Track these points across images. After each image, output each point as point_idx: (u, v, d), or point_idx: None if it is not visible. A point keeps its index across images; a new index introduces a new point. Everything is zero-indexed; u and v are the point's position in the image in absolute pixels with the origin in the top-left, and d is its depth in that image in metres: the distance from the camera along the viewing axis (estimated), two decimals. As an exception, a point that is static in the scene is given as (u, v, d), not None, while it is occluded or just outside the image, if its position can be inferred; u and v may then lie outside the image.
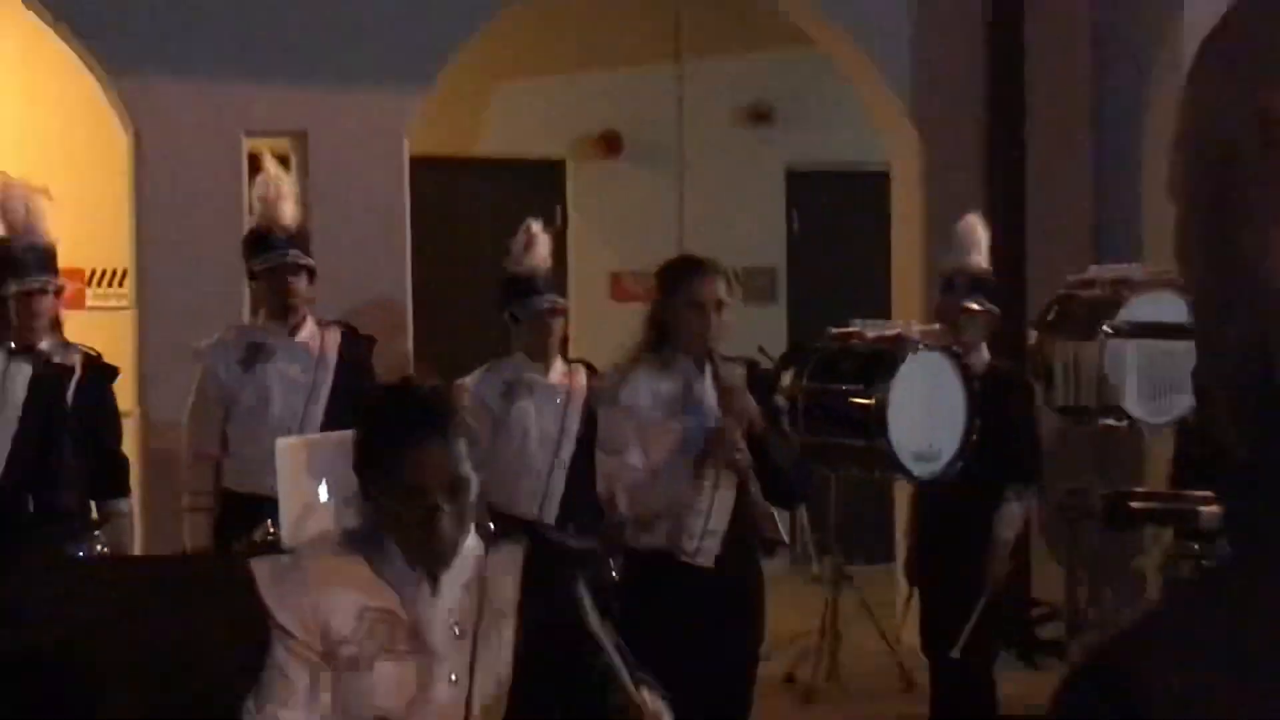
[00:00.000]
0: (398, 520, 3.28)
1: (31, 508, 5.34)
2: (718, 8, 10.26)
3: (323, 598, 3.27)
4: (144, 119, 7.84)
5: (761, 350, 6.22)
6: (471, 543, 3.33)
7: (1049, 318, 7.05)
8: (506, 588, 3.34)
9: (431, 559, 3.27)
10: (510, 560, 3.37)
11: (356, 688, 3.28)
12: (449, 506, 3.21)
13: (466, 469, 3.26)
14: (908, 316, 7.32)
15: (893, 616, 8.14)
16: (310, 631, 3.25)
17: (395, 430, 3.35)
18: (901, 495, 7.76)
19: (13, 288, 5.83)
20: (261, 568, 3.40)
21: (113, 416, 6.24)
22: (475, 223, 9.46)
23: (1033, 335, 7.19)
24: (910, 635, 7.25)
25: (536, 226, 6.38)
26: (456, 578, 3.32)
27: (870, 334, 5.87)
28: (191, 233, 7.75)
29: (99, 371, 6.19)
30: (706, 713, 5.16)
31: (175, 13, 7.80)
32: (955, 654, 6.23)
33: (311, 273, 6.34)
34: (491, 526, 3.44)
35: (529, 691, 3.35)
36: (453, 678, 3.29)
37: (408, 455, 3.26)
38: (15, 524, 5.26)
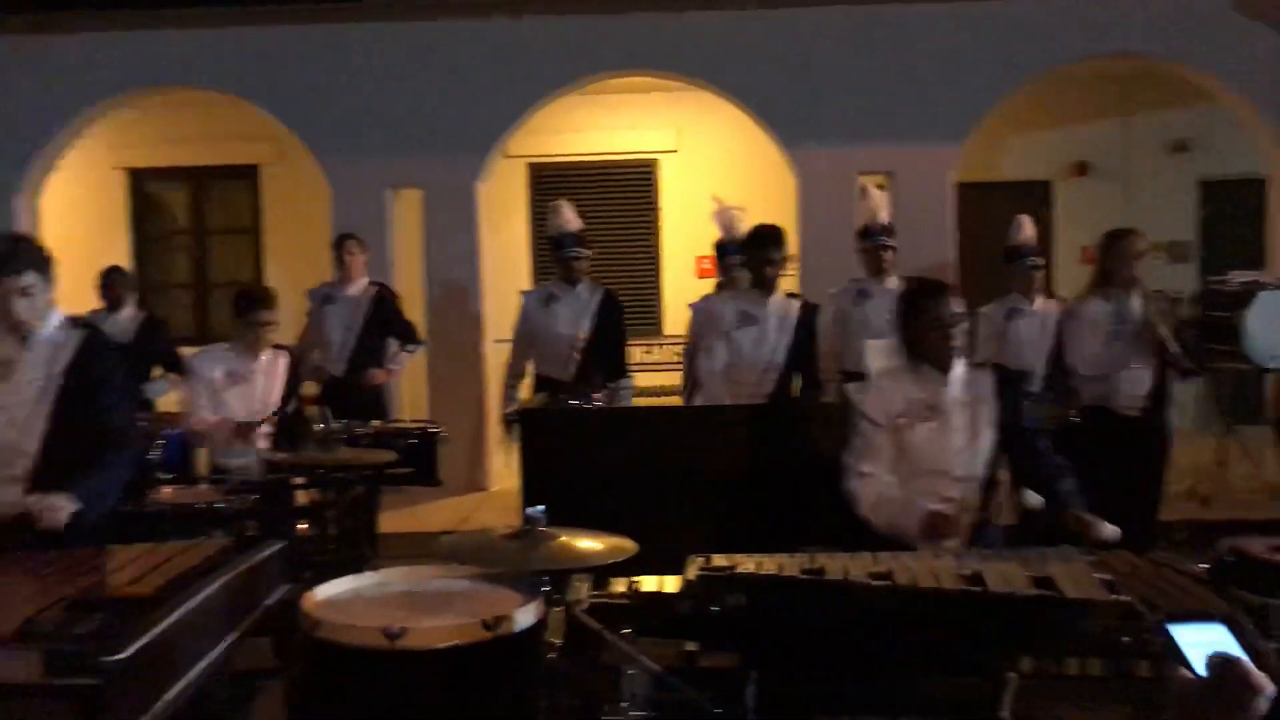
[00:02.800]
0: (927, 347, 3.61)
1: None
2: (1150, 80, 9.86)
3: (885, 394, 3.69)
4: (803, 169, 8.36)
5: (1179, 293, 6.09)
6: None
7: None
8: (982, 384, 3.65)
9: (942, 366, 3.60)
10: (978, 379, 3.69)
11: (906, 441, 3.61)
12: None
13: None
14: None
15: (1261, 455, 7.82)
16: (879, 414, 3.64)
17: (917, 303, 3.64)
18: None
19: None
20: (854, 389, 3.80)
21: None
22: (992, 219, 8.98)
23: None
24: (1272, 466, 7.13)
25: (1026, 220, 6.39)
26: (956, 375, 3.62)
27: (1236, 280, 5.64)
28: (833, 225, 8.10)
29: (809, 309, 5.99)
30: (1134, 508, 5.12)
31: (818, 103, 8.53)
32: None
33: (894, 249, 6.48)
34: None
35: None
36: (956, 426, 3.58)
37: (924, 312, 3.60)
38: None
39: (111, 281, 7.24)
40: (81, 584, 2.55)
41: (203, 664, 2.48)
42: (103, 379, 3.45)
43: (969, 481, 3.61)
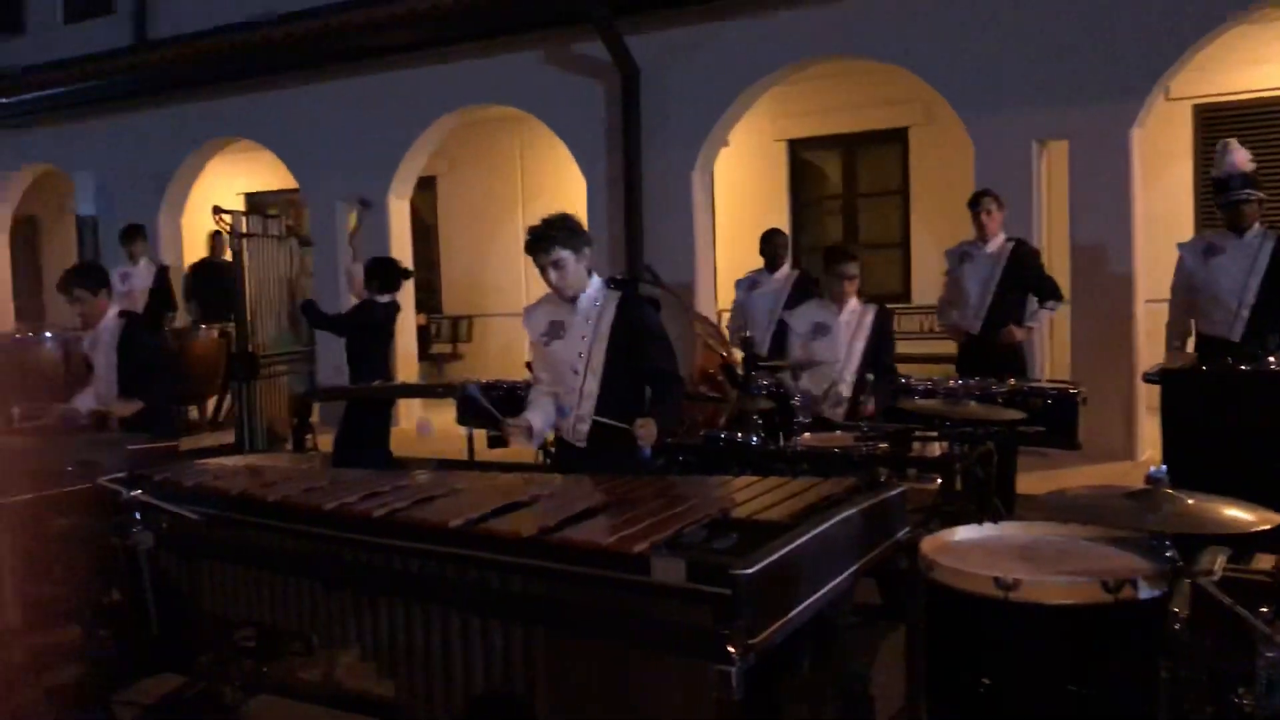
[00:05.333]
0: None
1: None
2: None
3: None
4: None
5: None
6: None
7: None
8: None
9: None
10: None
11: None
12: None
13: None
14: None
15: None
16: None
17: None
18: None
19: None
20: None
21: None
22: None
23: None
24: None
25: None
26: None
27: None
28: None
29: None
30: None
31: None
32: None
33: None
34: None
35: None
36: None
37: None
38: None
39: (769, 243, 7.88)
40: (722, 506, 2.87)
41: (824, 591, 2.66)
42: (643, 330, 4.13)
43: None
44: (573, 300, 4.16)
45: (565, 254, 4.06)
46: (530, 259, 4.18)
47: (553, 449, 4.51)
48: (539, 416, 4.24)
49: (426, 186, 13.17)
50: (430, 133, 11.05)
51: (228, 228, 8.83)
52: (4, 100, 13.64)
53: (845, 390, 5.39)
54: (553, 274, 4.08)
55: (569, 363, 4.15)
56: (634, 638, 2.45)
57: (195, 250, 13.35)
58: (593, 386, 4.11)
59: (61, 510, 4.01)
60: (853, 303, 5.59)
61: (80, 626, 4.03)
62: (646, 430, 3.95)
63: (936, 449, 4.90)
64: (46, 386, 6.84)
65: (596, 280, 4.22)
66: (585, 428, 4.15)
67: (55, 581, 5.14)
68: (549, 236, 4.06)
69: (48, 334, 10.76)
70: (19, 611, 4.25)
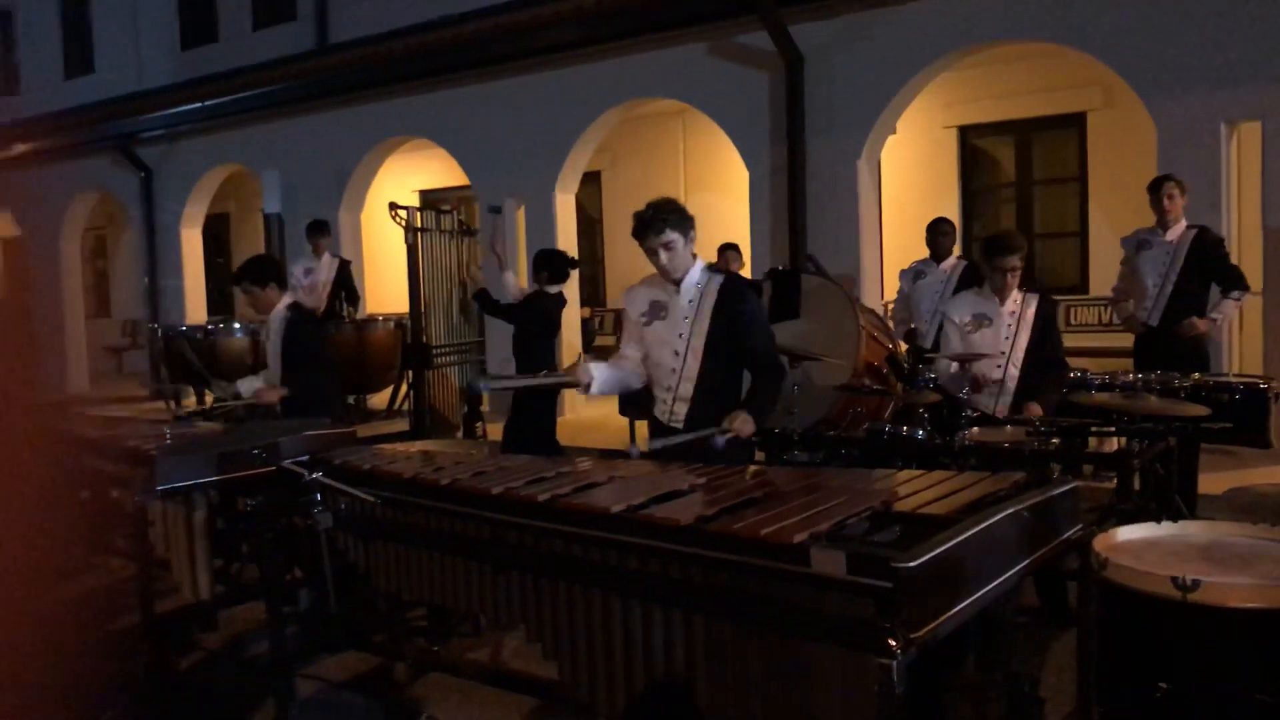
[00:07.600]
0: None
1: None
2: None
3: None
4: None
5: None
6: None
7: None
8: None
9: None
10: None
11: None
12: None
13: None
14: None
15: None
16: None
17: None
18: None
19: None
20: None
21: None
22: None
23: None
24: None
25: None
26: None
27: None
28: None
29: None
30: None
31: None
32: None
33: None
34: None
35: None
36: None
37: None
38: None
39: (934, 232, 7.71)
40: (885, 499, 2.83)
41: (989, 588, 2.59)
42: (742, 314, 4.18)
43: None
44: (677, 283, 4.23)
45: (675, 236, 4.15)
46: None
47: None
48: (603, 371, 4.35)
49: (591, 181, 13.35)
50: (595, 127, 11.20)
51: (403, 223, 9.15)
52: (199, 104, 14.46)
53: (1010, 384, 5.22)
54: (663, 255, 4.17)
55: (669, 344, 4.23)
56: (793, 628, 2.44)
57: (374, 245, 13.88)
58: (693, 368, 4.18)
59: (248, 492, 4.23)
60: (1014, 292, 5.39)
61: (265, 602, 4.25)
62: (740, 424, 3.99)
63: (1114, 444, 4.71)
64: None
65: (700, 264, 4.29)
66: (685, 408, 4.22)
67: (242, 559, 5.43)
68: (660, 219, 4.15)
69: (236, 324, 11.40)
70: (210, 587, 4.52)
